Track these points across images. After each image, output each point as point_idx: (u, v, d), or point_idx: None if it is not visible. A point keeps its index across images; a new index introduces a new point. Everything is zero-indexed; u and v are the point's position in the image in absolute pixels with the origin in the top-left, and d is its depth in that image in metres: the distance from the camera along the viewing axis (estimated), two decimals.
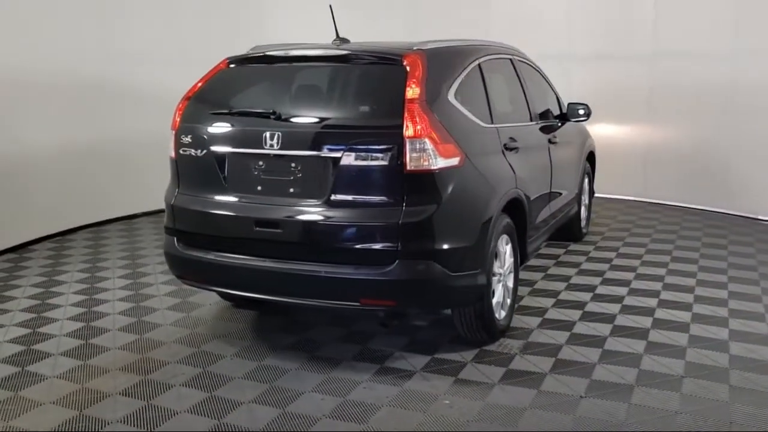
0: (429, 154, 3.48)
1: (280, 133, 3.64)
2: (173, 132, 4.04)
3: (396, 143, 3.48)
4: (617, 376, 3.77)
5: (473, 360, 4.00)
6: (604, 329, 4.44)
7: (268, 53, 4.07)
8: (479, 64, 4.32)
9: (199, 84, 4.09)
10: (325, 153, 3.62)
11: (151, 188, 7.78)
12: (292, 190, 3.72)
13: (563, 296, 5.09)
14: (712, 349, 4.11)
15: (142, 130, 7.53)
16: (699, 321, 4.55)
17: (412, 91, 3.54)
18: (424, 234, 3.51)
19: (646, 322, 4.55)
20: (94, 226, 7.47)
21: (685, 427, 3.23)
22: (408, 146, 3.46)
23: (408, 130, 3.46)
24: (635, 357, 4.01)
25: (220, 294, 4.84)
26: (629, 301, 4.96)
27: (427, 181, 3.51)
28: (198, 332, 4.48)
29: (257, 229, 3.73)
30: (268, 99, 4.03)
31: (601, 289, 5.23)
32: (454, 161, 3.63)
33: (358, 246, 3.60)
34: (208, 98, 4.04)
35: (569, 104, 5.79)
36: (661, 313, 4.69)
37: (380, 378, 3.80)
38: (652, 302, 4.93)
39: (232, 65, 4.12)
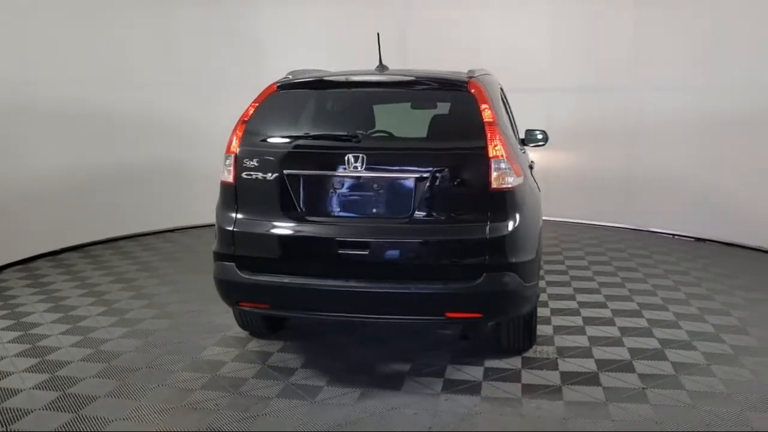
0: (507, 173, 3.74)
1: (364, 155, 3.71)
2: (231, 156, 3.94)
3: (481, 163, 3.70)
4: (657, 369, 4.21)
5: (524, 367, 4.26)
6: (613, 331, 4.90)
7: (326, 78, 4.11)
8: (500, 90, 4.66)
9: (253, 108, 4.03)
10: (410, 173, 3.75)
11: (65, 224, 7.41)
12: (374, 210, 3.80)
13: (554, 305, 5.51)
14: (709, 340, 4.70)
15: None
16: (683, 319, 5.16)
17: (488, 114, 3.79)
18: (508, 248, 3.74)
19: (642, 322, 5.08)
20: (17, 264, 6.83)
21: (747, 405, 3.71)
22: (493, 166, 3.69)
23: (492, 151, 3.70)
24: (659, 352, 4.49)
25: (242, 323, 4.72)
26: (612, 305, 5.49)
27: (506, 198, 3.76)
28: (234, 364, 4.33)
29: (341, 250, 3.75)
30: (341, 122, 4.08)
31: (581, 297, 5.72)
32: (521, 179, 3.91)
33: (446, 261, 3.75)
34: (269, 122, 4.00)
35: (527, 130, 6.25)
36: (651, 315, 5.25)
37: (452, 390, 3.94)
38: (632, 305, 5.50)
39: (282, 89, 4.11)
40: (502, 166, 3.73)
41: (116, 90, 7.82)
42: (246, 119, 3.99)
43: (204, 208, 8.71)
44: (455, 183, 3.76)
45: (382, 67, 4.37)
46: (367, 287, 3.73)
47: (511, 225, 3.75)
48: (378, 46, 4.40)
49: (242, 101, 8.70)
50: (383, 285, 3.73)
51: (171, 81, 8.36)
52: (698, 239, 8.16)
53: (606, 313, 5.32)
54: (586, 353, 4.48)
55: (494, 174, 3.71)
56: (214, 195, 8.35)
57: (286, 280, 3.81)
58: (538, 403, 3.77)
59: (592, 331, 4.90)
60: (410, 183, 3.75)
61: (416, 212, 3.74)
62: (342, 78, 4.14)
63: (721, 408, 3.68)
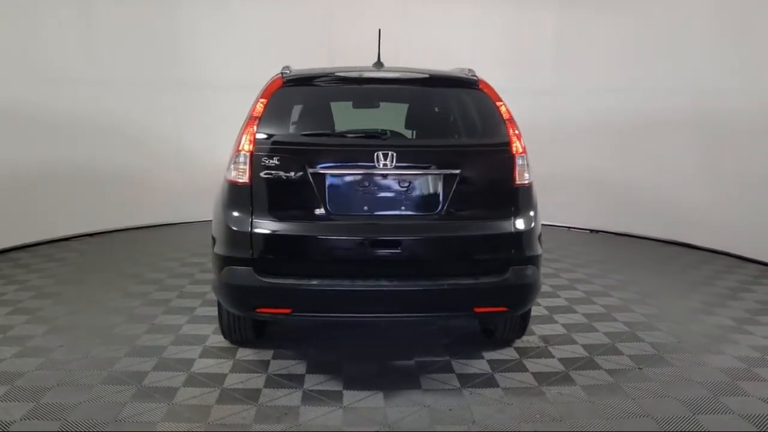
0: (526, 168, 3.88)
1: (394, 153, 3.67)
2: (246, 155, 3.71)
3: (506, 159, 3.80)
4: (640, 350, 4.55)
5: (522, 357, 4.43)
6: (579, 318, 5.22)
7: (338, 74, 4.00)
8: None
9: (262, 104, 3.82)
10: (440, 170, 3.75)
11: None
12: (403, 208, 3.76)
13: None
14: (664, 321, 5.15)
15: None
16: (631, 303, 5.59)
17: (505, 111, 3.90)
18: (530, 241, 3.87)
19: (598, 308, 5.46)
20: None
21: (736, 375, 4.12)
22: (517, 161, 3.81)
23: (515, 147, 3.81)
24: (630, 334, 4.86)
25: (228, 332, 4.47)
26: (563, 294, 5.83)
27: (527, 193, 3.89)
28: (236, 375, 4.07)
29: (371, 249, 3.67)
30: (360, 119, 3.97)
31: None
32: (533, 175, 4.06)
33: (476, 257, 3.80)
34: (282, 118, 3.81)
35: None
36: (601, 301, 5.64)
37: (471, 384, 3.99)
38: (579, 294, 5.87)
39: (289, 84, 3.94)
40: (523, 162, 3.86)
41: (28, 87, 7.19)
42: (258, 116, 3.78)
43: (107, 213, 8.10)
44: (482, 179, 3.82)
45: (379, 64, 4.32)
46: (399, 286, 3.69)
47: (531, 219, 3.89)
48: (378, 43, 4.35)
49: (166, 100, 8.29)
50: (414, 283, 3.70)
51: (90, 78, 7.83)
52: (592, 231, 8.83)
53: (561, 302, 5.63)
54: (568, 340, 4.73)
55: (518, 170, 3.82)
56: (128, 198, 7.82)
57: (314, 282, 3.66)
58: (557, 389, 3.93)
59: (560, 319, 5.18)
60: (439, 180, 3.76)
61: (445, 209, 3.76)
62: (355, 74, 4.05)
63: (712, 378, 4.07)
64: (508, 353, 4.48)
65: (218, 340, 4.61)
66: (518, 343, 4.66)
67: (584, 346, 4.60)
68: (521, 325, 4.48)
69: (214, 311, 5.17)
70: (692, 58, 7.61)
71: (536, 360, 4.37)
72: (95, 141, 8.00)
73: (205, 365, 4.20)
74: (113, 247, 7.63)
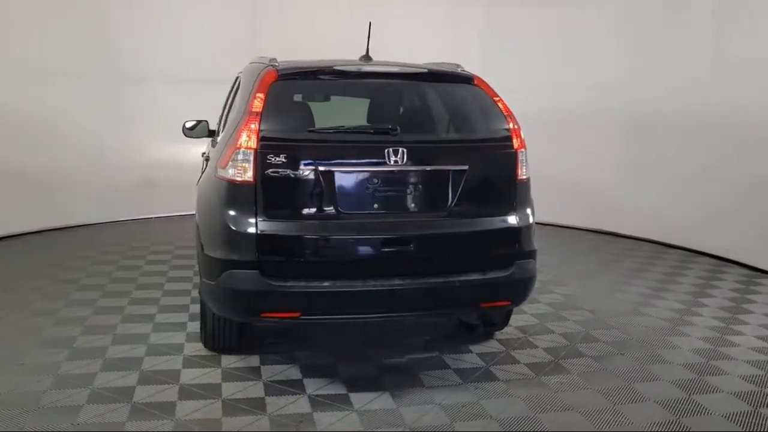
0: (525, 164, 3.93)
1: (404, 149, 3.60)
2: (249, 152, 3.50)
3: (510, 154, 3.83)
4: (613, 336, 4.77)
5: (508, 348, 4.51)
6: (545, 308, 5.38)
7: (336, 68, 3.85)
8: None
9: (260, 99, 3.61)
10: (448, 166, 3.72)
11: None
12: (413, 205, 3.70)
13: None
14: (627, 306, 5.40)
15: None
16: (588, 290, 5.82)
17: (503, 106, 3.93)
18: (531, 235, 3.93)
19: (558, 297, 5.65)
20: None
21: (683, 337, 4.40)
22: (519, 157, 3.85)
23: (517, 142, 3.85)
24: (600, 321, 5.07)
25: (211, 339, 4.24)
26: None
27: (526, 189, 3.95)
28: (231, 384, 3.86)
29: (383, 248, 3.59)
30: (363, 115, 3.84)
31: None
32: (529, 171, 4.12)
33: (485, 253, 3.81)
34: (283, 114, 3.62)
35: None
36: (558, 290, 5.84)
37: (471, 379, 4.01)
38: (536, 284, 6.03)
39: (284, 78, 3.76)
40: (523, 157, 3.90)
41: None
42: (258, 111, 3.57)
43: (18, 214, 7.38)
44: (488, 175, 3.84)
45: (367, 58, 4.23)
46: (411, 284, 3.63)
47: (532, 214, 3.95)
48: (368, 36, 4.24)
49: (87, 92, 7.67)
50: (427, 281, 3.66)
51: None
52: None
53: None
54: (545, 330, 4.86)
55: (520, 165, 3.86)
56: (40, 197, 7.24)
57: (326, 283, 3.53)
58: (556, 378, 4.03)
59: (529, 309, 5.30)
60: (449, 176, 3.72)
61: (454, 205, 3.73)
62: (354, 68, 3.92)
63: (689, 360, 4.34)
64: (493, 345, 4.54)
65: (196, 348, 4.37)
66: (498, 335, 4.72)
67: (563, 335, 4.74)
68: (508, 315, 4.55)
69: (176, 318, 4.93)
70: (618, 56, 8.00)
71: (522, 351, 4.45)
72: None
73: (193, 376, 3.96)
74: (34, 251, 7.02)
